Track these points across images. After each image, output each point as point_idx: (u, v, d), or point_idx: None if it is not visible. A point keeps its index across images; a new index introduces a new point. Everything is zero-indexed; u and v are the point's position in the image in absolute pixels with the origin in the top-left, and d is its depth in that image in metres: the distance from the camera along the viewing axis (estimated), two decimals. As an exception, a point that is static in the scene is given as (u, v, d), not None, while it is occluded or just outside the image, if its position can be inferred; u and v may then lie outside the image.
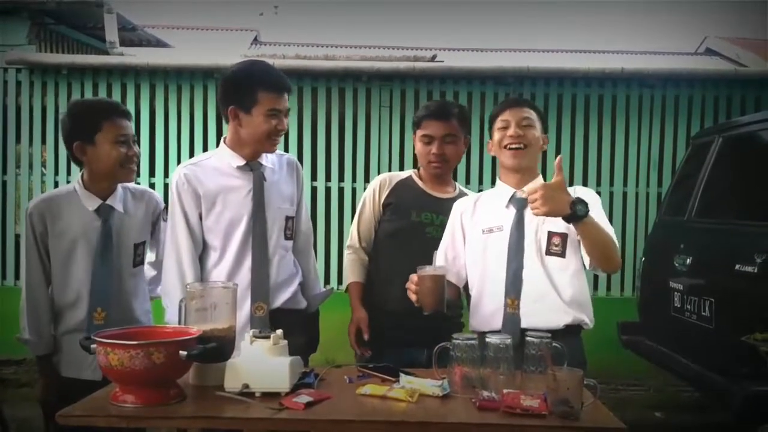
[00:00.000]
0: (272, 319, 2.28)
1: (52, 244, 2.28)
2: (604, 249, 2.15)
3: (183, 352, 1.70)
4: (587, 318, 2.23)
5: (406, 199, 2.60)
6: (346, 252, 2.70)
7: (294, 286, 2.43)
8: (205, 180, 2.33)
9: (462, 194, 2.64)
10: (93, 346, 1.71)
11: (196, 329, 1.84)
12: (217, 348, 1.80)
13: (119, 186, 2.38)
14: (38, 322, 2.29)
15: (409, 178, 2.67)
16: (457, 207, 2.45)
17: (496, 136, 2.34)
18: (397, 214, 2.60)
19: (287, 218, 2.42)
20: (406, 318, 2.33)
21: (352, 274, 2.65)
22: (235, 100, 2.30)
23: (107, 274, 2.29)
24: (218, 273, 2.33)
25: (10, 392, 4.77)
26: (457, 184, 2.75)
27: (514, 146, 2.28)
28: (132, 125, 2.35)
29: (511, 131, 2.29)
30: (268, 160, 2.43)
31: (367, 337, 2.52)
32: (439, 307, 2.06)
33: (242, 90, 2.28)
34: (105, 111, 2.29)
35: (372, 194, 2.66)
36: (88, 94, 5.34)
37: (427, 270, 2.07)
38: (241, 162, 2.35)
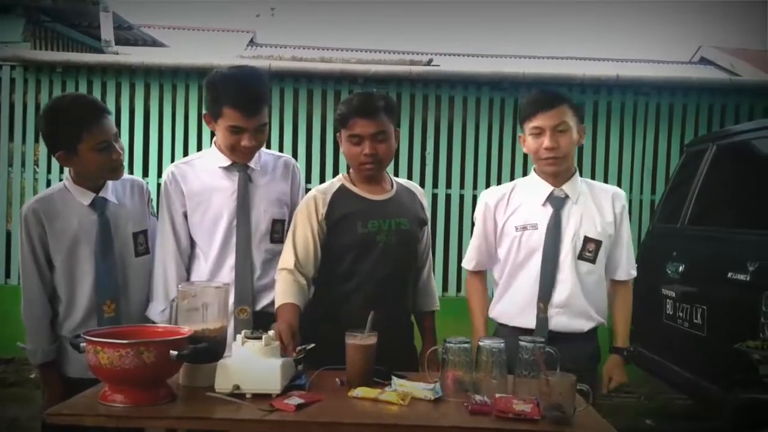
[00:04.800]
0: (257, 322, 2.27)
1: (52, 244, 2.24)
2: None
3: (173, 352, 1.69)
4: (604, 319, 2.36)
5: (349, 211, 2.32)
6: (279, 274, 2.28)
7: None
8: (191, 179, 2.36)
9: (401, 188, 2.43)
10: (82, 344, 1.70)
11: (187, 329, 1.83)
12: (208, 348, 1.79)
13: None
14: (35, 330, 2.26)
15: (342, 186, 2.37)
16: (486, 199, 2.40)
17: (530, 142, 2.27)
18: (342, 230, 2.32)
19: (275, 221, 2.40)
20: None
21: (287, 294, 2.21)
22: (207, 107, 2.33)
23: (110, 266, 2.27)
24: (200, 272, 2.35)
25: (-2, 391, 4.74)
26: (390, 176, 2.48)
27: (552, 155, 2.24)
28: (112, 120, 2.27)
29: (546, 142, 2.22)
30: (260, 161, 2.42)
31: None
32: (364, 380, 1.91)
33: (211, 100, 2.29)
34: (82, 120, 2.18)
35: (305, 216, 2.32)
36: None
37: (357, 338, 1.94)
38: (226, 163, 2.36)
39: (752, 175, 3.52)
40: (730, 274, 3.16)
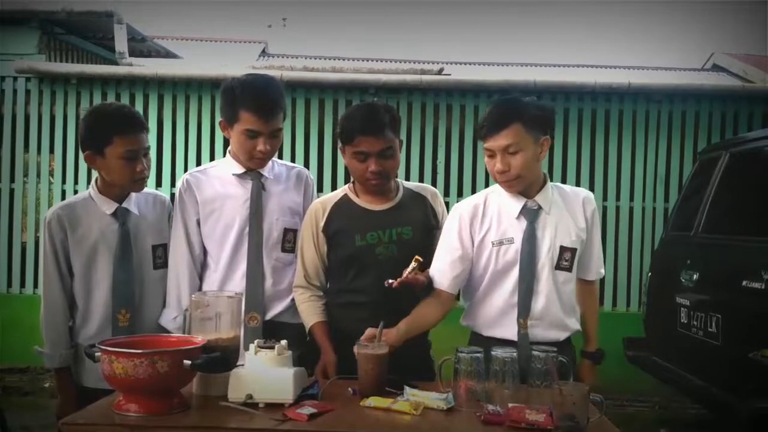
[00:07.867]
0: (266, 331, 2.29)
1: (73, 250, 2.27)
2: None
3: (187, 362, 1.70)
4: (578, 325, 2.30)
5: (346, 224, 2.30)
6: (295, 293, 2.37)
7: (289, 300, 2.40)
8: (205, 187, 2.38)
9: (408, 194, 2.39)
10: (97, 354, 1.71)
11: (200, 338, 1.84)
12: (221, 358, 1.80)
13: None
14: (54, 334, 2.27)
15: (345, 197, 2.36)
16: (460, 212, 2.26)
17: (486, 160, 2.21)
18: (340, 242, 2.31)
19: (287, 230, 2.40)
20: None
21: (312, 314, 2.31)
22: (223, 113, 2.36)
23: (128, 276, 2.29)
24: (211, 279, 2.37)
25: (13, 400, 4.77)
26: (399, 182, 2.42)
27: (504, 179, 2.18)
28: (146, 136, 2.30)
29: (497, 165, 2.14)
30: (273, 170, 2.44)
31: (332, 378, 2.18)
32: (377, 390, 1.89)
33: (227, 106, 2.32)
34: (117, 125, 2.23)
35: (308, 227, 2.34)
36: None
37: (369, 347, 1.93)
38: (240, 170, 2.38)
39: (766, 182, 3.50)
40: (744, 283, 3.15)
